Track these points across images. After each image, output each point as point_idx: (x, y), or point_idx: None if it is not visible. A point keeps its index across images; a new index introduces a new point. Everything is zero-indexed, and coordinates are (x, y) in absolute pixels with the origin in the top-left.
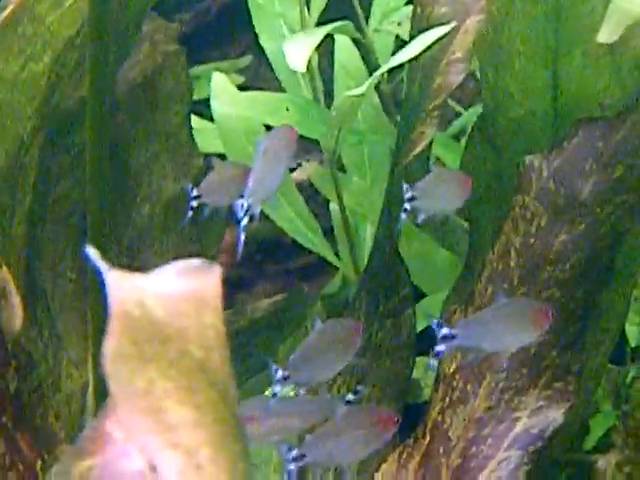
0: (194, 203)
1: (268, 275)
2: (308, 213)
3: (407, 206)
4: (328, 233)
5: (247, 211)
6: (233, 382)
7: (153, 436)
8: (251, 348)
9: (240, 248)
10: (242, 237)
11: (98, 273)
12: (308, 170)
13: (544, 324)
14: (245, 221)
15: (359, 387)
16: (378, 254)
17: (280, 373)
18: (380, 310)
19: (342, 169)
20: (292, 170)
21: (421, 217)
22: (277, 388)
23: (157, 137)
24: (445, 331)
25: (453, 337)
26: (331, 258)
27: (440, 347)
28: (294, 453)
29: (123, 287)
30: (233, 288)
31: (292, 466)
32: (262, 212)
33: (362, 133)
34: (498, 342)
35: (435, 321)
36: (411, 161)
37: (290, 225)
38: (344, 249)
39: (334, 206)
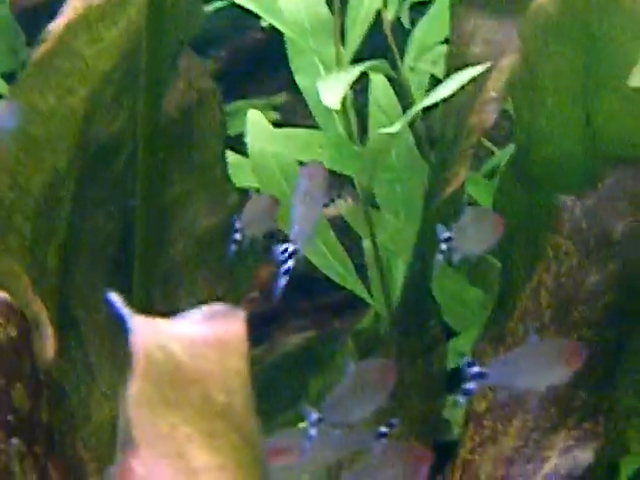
0: (238, 235)
1: (300, 311)
2: (340, 249)
3: (443, 247)
4: (360, 269)
5: (291, 255)
6: (257, 426)
7: None
8: (282, 383)
9: (277, 295)
10: (283, 281)
11: (121, 318)
12: (341, 206)
13: (577, 363)
14: (290, 264)
15: (393, 420)
16: (410, 292)
17: (314, 416)
18: (411, 348)
19: (375, 206)
20: (324, 206)
21: (456, 257)
22: (312, 431)
23: (192, 173)
24: (476, 370)
25: (484, 376)
26: (363, 294)
27: (470, 385)
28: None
29: (146, 332)
30: (265, 324)
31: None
32: None
33: (396, 171)
34: (530, 381)
35: (466, 360)
36: (444, 200)
37: (322, 260)
38: (376, 286)
39: (367, 243)
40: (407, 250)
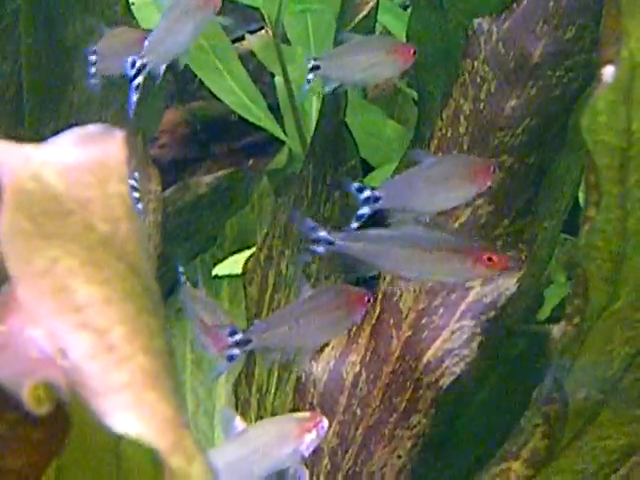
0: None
1: (214, 155)
2: (251, 85)
3: (310, 76)
4: (275, 110)
5: (140, 70)
6: (145, 254)
7: (59, 318)
8: (196, 225)
9: (131, 110)
10: (133, 97)
11: None
12: (252, 42)
13: (484, 181)
14: (138, 80)
15: None
16: (324, 126)
17: (238, 336)
18: (327, 182)
19: (286, 41)
20: (235, 42)
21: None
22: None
23: (93, 11)
24: (367, 194)
25: (376, 199)
26: (277, 133)
27: (363, 210)
28: (238, 337)
29: (14, 160)
30: (178, 169)
31: (235, 351)
32: (209, 90)
33: (305, 1)
34: (430, 202)
35: (355, 185)
36: (355, 28)
37: (233, 98)
38: (290, 123)
39: (279, 79)
40: (320, 84)
